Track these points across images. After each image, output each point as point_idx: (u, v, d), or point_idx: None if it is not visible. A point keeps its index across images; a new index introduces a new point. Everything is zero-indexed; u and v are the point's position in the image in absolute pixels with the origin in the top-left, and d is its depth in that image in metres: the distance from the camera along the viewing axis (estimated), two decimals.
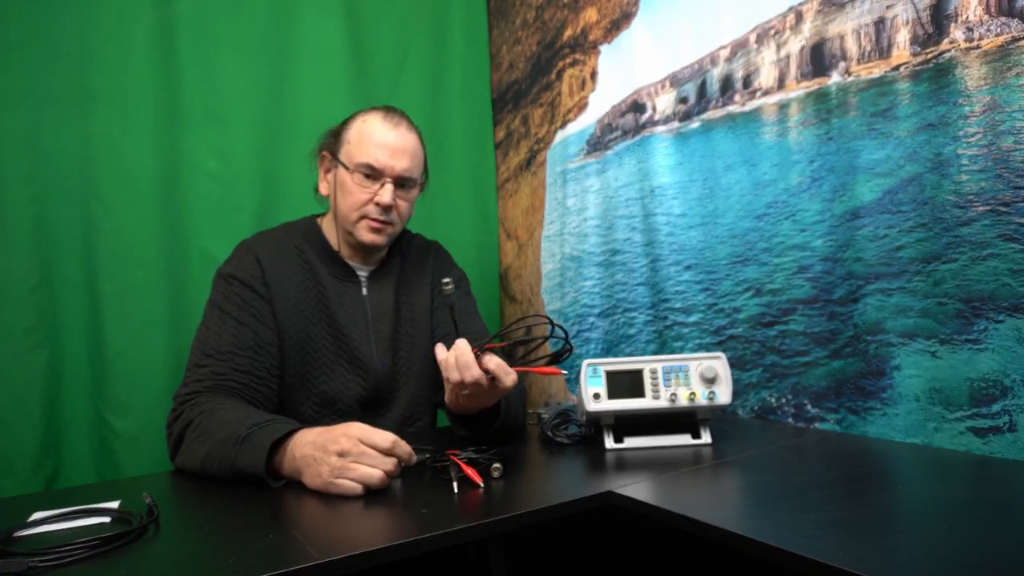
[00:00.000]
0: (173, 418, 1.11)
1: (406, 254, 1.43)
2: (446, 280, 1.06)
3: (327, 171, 1.32)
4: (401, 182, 1.27)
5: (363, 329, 1.31)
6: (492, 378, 1.00)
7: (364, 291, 1.34)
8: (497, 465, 0.96)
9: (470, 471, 0.94)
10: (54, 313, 1.39)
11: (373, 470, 0.91)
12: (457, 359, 1.00)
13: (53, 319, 1.39)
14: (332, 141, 1.31)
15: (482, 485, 0.92)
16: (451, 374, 1.01)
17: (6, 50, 1.35)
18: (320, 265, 1.31)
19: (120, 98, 1.46)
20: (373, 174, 1.25)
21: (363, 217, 1.26)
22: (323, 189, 1.34)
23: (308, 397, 1.25)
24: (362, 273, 1.35)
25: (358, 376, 1.28)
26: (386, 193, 1.25)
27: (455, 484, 0.92)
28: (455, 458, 0.98)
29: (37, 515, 0.87)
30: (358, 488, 0.90)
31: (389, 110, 1.31)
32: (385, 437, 0.93)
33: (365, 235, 1.27)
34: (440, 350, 1.03)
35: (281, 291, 1.24)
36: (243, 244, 1.30)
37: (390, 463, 0.93)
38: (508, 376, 1.00)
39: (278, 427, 0.98)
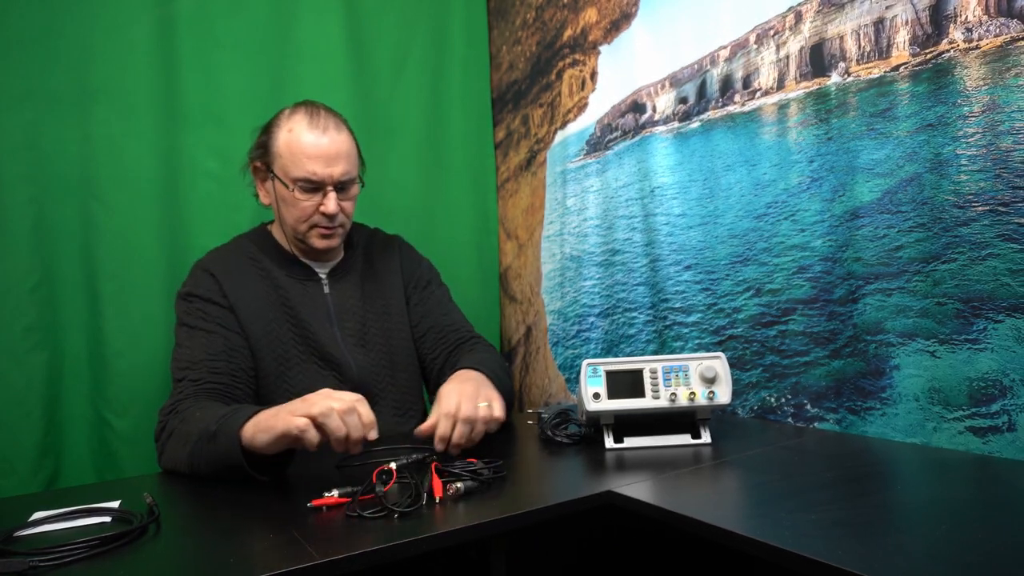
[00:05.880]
0: (159, 430, 1.13)
1: (369, 249, 1.44)
2: None
3: (263, 181, 1.31)
4: (341, 186, 1.27)
5: (327, 327, 1.32)
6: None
7: (326, 289, 1.35)
8: (459, 485, 0.91)
9: (437, 483, 0.90)
10: (54, 313, 1.39)
11: (324, 404, 0.92)
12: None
13: (53, 319, 1.39)
14: (262, 152, 1.29)
15: (438, 500, 0.88)
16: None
17: (6, 50, 1.35)
18: (277, 269, 1.32)
19: (120, 98, 1.46)
20: (313, 187, 1.24)
21: (313, 227, 1.27)
22: (264, 199, 1.33)
23: (287, 396, 1.25)
24: (322, 271, 1.36)
25: (332, 373, 1.29)
26: (331, 202, 1.25)
27: (424, 495, 0.88)
28: (435, 468, 0.94)
29: (38, 515, 0.87)
30: (304, 423, 0.91)
31: (312, 111, 1.26)
32: (354, 394, 0.96)
33: (318, 242, 1.29)
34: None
35: (240, 300, 1.26)
36: (197, 264, 1.32)
37: (347, 405, 0.93)
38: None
39: (243, 413, 1.00)
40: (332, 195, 1.25)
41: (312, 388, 1.27)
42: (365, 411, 0.94)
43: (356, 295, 1.37)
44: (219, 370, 1.17)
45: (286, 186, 1.25)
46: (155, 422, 1.15)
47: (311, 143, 1.23)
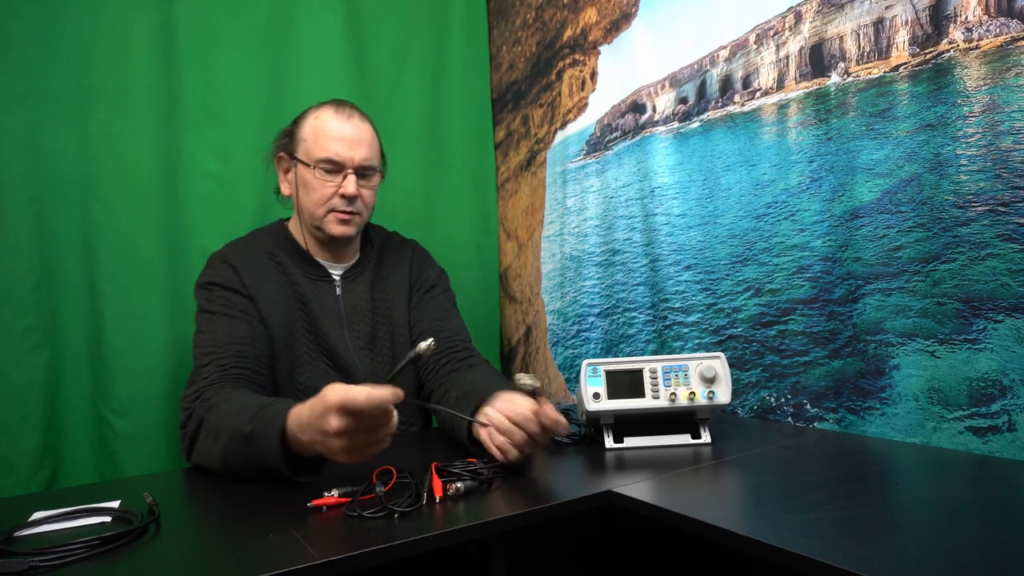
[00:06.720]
0: (185, 419, 1.10)
1: (383, 252, 1.44)
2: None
3: (286, 171, 1.33)
4: (362, 172, 1.29)
5: (338, 328, 1.32)
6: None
7: (338, 291, 1.35)
8: (459, 485, 0.91)
9: (437, 483, 0.91)
10: (54, 313, 1.39)
11: (382, 440, 0.89)
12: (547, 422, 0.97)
13: (53, 319, 1.39)
14: (287, 141, 1.32)
15: (438, 500, 0.89)
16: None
17: (6, 50, 1.35)
18: (292, 266, 1.32)
19: (120, 98, 1.46)
20: (334, 168, 1.26)
21: (330, 211, 1.28)
22: (285, 190, 1.35)
23: (295, 394, 1.25)
24: (335, 272, 1.36)
25: (340, 375, 1.29)
26: (350, 184, 1.26)
27: (424, 495, 0.89)
28: (435, 468, 0.94)
29: (38, 515, 0.87)
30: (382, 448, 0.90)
31: (339, 103, 1.32)
32: (362, 397, 0.87)
33: (334, 228, 1.29)
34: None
35: (260, 292, 1.26)
36: (214, 255, 1.31)
37: (383, 418, 0.89)
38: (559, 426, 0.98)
39: (274, 416, 0.95)
40: (352, 178, 1.27)
41: (320, 388, 1.25)
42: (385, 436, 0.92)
43: (366, 298, 1.36)
44: (244, 354, 1.17)
45: (308, 166, 1.26)
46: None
47: (336, 127, 1.27)
